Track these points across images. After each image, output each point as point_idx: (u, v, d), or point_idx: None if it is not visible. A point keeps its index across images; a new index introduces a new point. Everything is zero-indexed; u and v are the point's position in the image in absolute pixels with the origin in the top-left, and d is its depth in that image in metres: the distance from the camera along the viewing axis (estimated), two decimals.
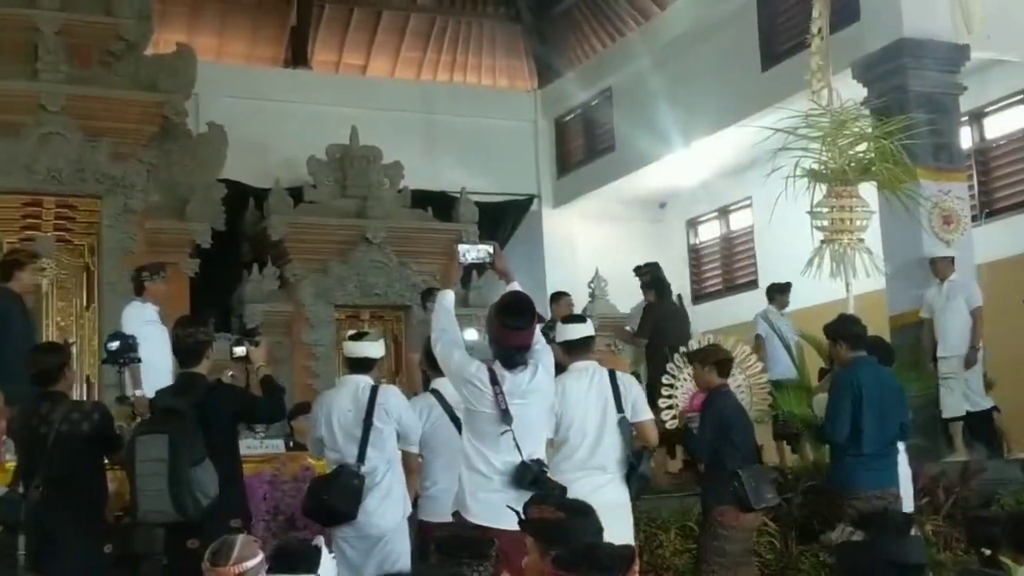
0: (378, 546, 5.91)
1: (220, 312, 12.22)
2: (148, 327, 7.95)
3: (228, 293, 12.80)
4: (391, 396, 6.15)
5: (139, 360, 7.09)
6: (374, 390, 6.07)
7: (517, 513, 4.01)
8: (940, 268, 10.09)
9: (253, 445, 7.73)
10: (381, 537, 5.94)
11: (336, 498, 5.92)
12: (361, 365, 6.22)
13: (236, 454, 5.95)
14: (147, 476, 5.32)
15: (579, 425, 5.89)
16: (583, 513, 3.72)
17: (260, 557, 3.88)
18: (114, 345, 6.89)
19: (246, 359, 6.26)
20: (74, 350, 10.29)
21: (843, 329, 7.24)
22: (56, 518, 5.56)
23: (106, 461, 5.95)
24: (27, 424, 5.75)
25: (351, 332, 6.64)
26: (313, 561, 3.51)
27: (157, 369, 7.23)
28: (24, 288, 7.77)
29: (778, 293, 10.78)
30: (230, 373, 6.45)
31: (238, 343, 6.30)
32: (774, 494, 6.89)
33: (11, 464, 6.28)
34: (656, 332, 9.55)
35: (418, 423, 6.23)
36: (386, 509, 6.00)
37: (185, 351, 5.86)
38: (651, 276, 10.12)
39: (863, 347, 7.16)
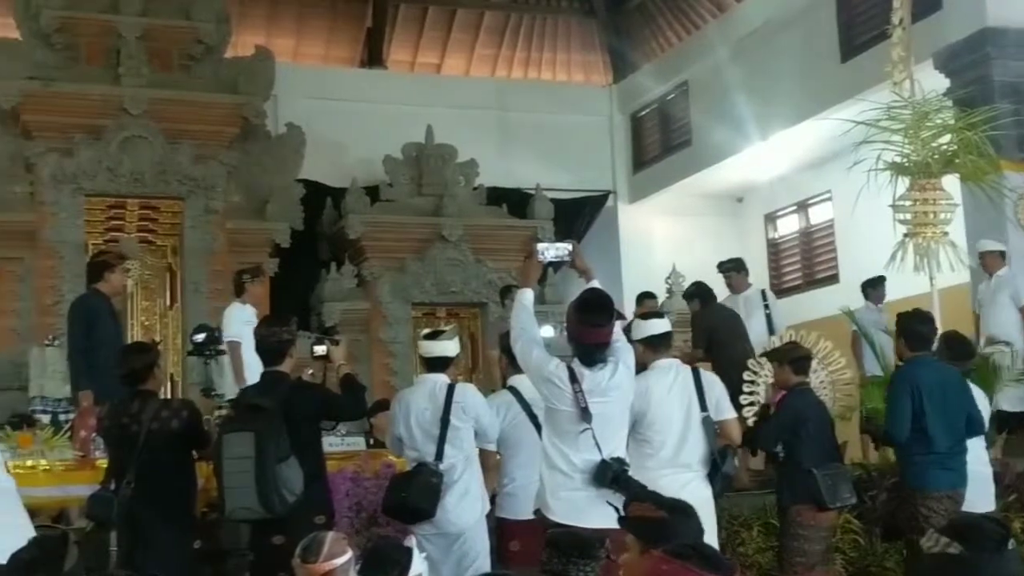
0: (456, 544, 5.92)
1: (299, 311, 12.35)
2: (248, 327, 8.11)
3: (307, 292, 12.93)
4: (468, 394, 6.16)
5: (224, 352, 7.19)
6: (451, 388, 6.09)
7: (617, 510, 3.99)
8: (988, 262, 9.87)
9: (334, 443, 7.79)
10: (460, 535, 5.95)
11: (415, 496, 5.94)
12: (437, 364, 6.24)
13: (320, 452, 6.01)
14: (234, 473, 5.39)
15: (664, 423, 5.87)
16: (685, 512, 3.70)
17: (349, 555, 3.91)
18: (200, 337, 6.98)
19: (326, 358, 6.32)
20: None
21: (907, 326, 7.09)
22: (147, 514, 5.65)
23: (195, 456, 6.05)
24: (118, 423, 5.86)
25: (426, 331, 6.67)
26: (405, 563, 3.53)
27: (256, 369, 7.29)
28: (113, 290, 7.91)
29: (870, 288, 10.64)
30: (310, 371, 6.52)
31: (319, 342, 6.36)
32: (851, 492, 6.80)
33: (102, 462, 6.40)
34: (711, 340, 9.52)
35: (496, 421, 6.23)
36: (464, 507, 6.01)
37: (269, 350, 5.93)
38: (695, 288, 10.10)
39: (925, 347, 7.00)
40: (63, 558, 3.27)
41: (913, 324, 7.07)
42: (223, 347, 7.17)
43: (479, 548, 5.95)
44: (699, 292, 10.04)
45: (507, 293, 9.71)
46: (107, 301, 7.86)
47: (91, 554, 5.77)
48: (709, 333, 9.56)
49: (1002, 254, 9.94)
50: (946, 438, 6.77)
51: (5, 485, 4.71)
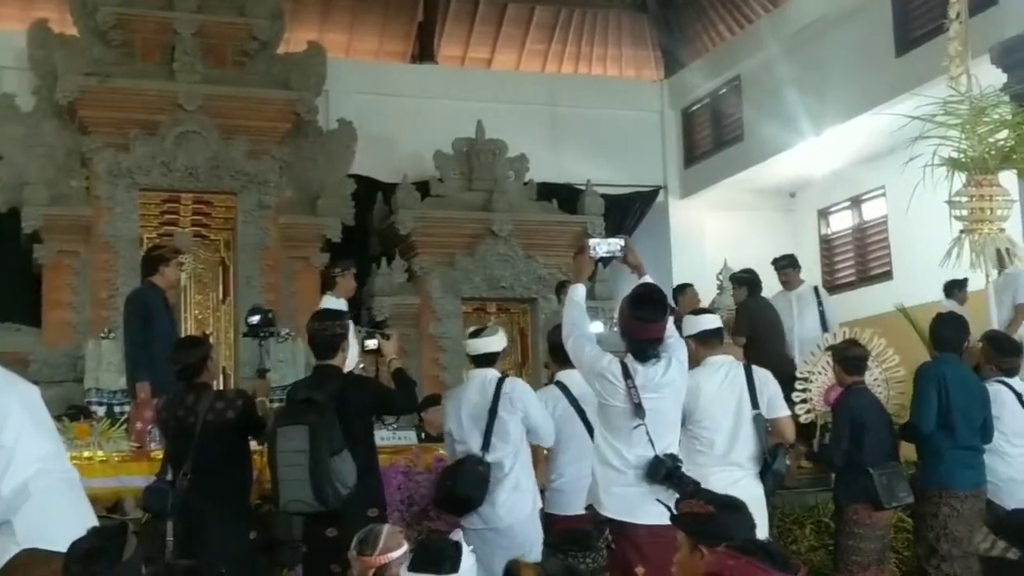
0: (507, 539, 5.90)
1: (350, 305, 12.39)
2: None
3: (357, 287, 12.96)
4: (517, 386, 6.18)
5: (278, 333, 7.25)
6: (500, 381, 6.13)
7: (668, 508, 3.99)
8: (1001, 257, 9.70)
9: (386, 436, 7.85)
10: (510, 529, 5.95)
11: (462, 485, 5.97)
12: (484, 360, 6.28)
13: (372, 445, 6.04)
14: (288, 466, 5.43)
15: (714, 420, 5.84)
16: (735, 508, 3.68)
17: (404, 548, 3.93)
18: (255, 319, 7.03)
19: (377, 352, 6.35)
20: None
21: (933, 330, 7.22)
22: (204, 505, 5.71)
23: (253, 445, 6.10)
24: (174, 415, 5.92)
25: (471, 329, 6.69)
26: (455, 559, 3.53)
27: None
28: (167, 283, 8.00)
29: (956, 289, 10.49)
30: (361, 365, 6.54)
31: (370, 336, 6.39)
32: (908, 492, 6.75)
33: (158, 453, 6.47)
34: (753, 330, 9.45)
35: (547, 417, 6.22)
36: (515, 501, 6.02)
37: (321, 344, 5.96)
38: (747, 275, 10.03)
39: (950, 350, 7.08)
40: (122, 548, 3.30)
41: (939, 328, 7.19)
42: (276, 329, 7.24)
43: (532, 542, 5.92)
44: (750, 280, 9.99)
45: (562, 288, 9.70)
46: (162, 295, 7.96)
47: (148, 544, 5.85)
48: (753, 322, 9.51)
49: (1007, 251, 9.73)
50: (969, 434, 6.78)
51: (71, 476, 4.77)
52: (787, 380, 7.33)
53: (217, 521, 5.72)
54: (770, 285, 10.63)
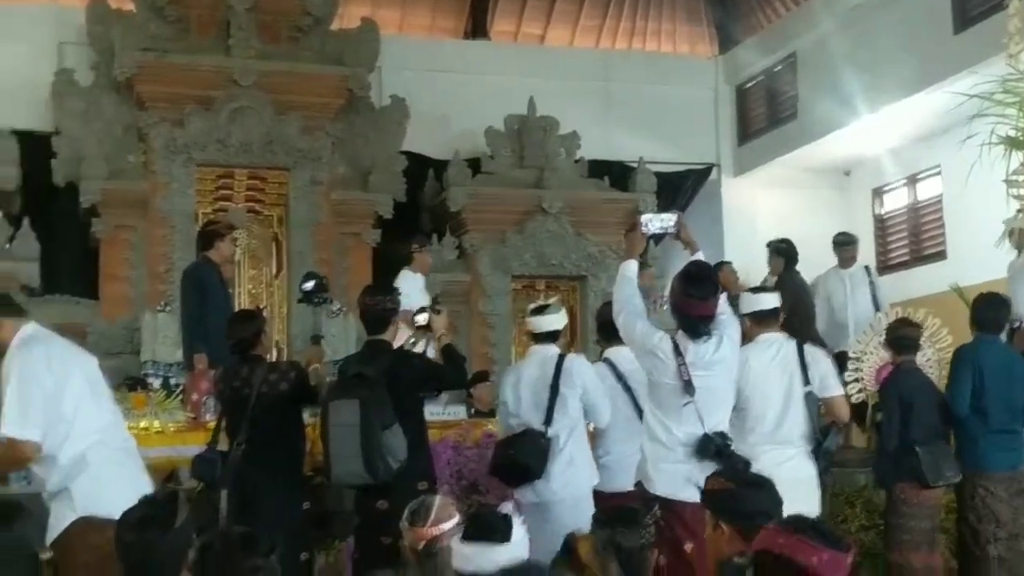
0: (558, 514, 5.89)
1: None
2: (422, 295, 8.60)
3: (408, 263, 13.03)
4: (577, 363, 6.22)
5: (332, 300, 7.32)
6: (561, 357, 6.16)
7: (699, 489, 4.01)
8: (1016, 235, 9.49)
9: (436, 411, 7.91)
10: (562, 504, 5.97)
11: (524, 454, 5.99)
12: (545, 337, 6.31)
13: (422, 420, 6.09)
14: (340, 440, 5.50)
15: (763, 398, 5.83)
16: (757, 485, 3.68)
17: (456, 519, 3.97)
18: (309, 285, 7.09)
19: (427, 327, 6.39)
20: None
21: (974, 310, 7.14)
22: (257, 476, 5.79)
23: (306, 417, 6.18)
24: (229, 386, 6.01)
25: (533, 306, 6.70)
26: (506, 531, 3.57)
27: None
28: (222, 258, 8.10)
29: None
30: (412, 341, 6.59)
31: (420, 312, 6.42)
32: (955, 471, 6.72)
33: (211, 424, 6.57)
34: (791, 305, 9.40)
35: (605, 397, 6.23)
36: (570, 477, 6.04)
37: (372, 319, 6.01)
38: (785, 245, 9.94)
39: (991, 330, 7.05)
40: (173, 516, 3.37)
41: (980, 309, 7.13)
42: (330, 295, 7.33)
43: (582, 521, 5.92)
44: (788, 251, 9.91)
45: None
46: (217, 269, 8.06)
47: (201, 514, 5.95)
48: (791, 296, 9.46)
49: None
50: (1003, 417, 6.74)
51: (128, 446, 4.88)
52: None
53: (270, 491, 5.80)
54: (818, 262, 10.54)
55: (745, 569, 3.17)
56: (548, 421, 6.01)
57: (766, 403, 5.84)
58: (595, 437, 6.48)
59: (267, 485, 5.81)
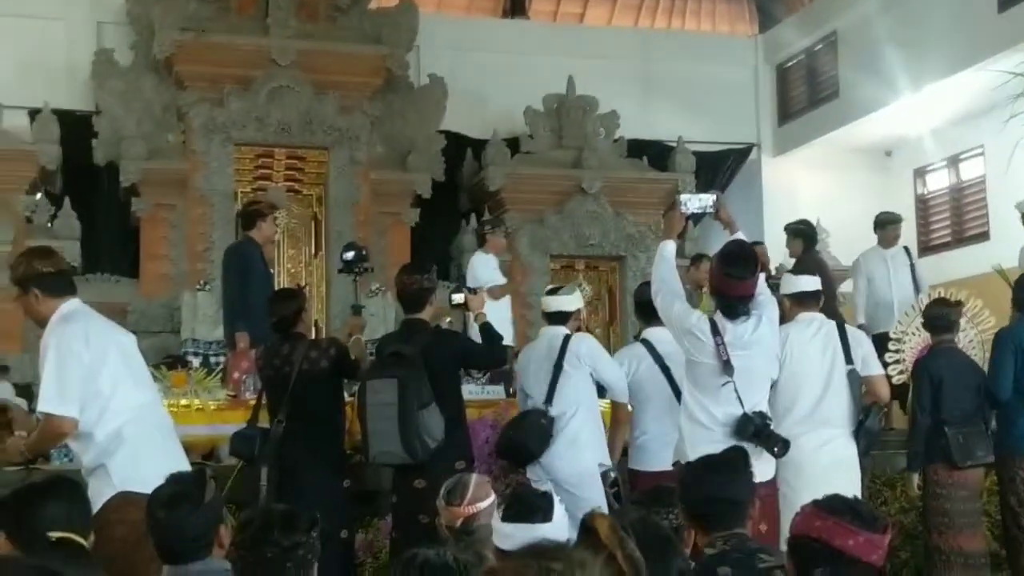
0: (565, 492, 5.89)
1: (439, 261, 12.51)
2: (496, 274, 8.68)
3: (447, 242, 13.06)
4: (583, 342, 6.23)
5: (372, 269, 7.32)
6: (567, 338, 6.17)
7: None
8: None
9: (474, 391, 7.91)
10: (566, 482, 5.98)
11: (523, 435, 6.03)
12: (556, 318, 6.32)
13: (460, 399, 6.08)
14: (377, 419, 5.50)
15: (804, 377, 5.78)
16: (716, 469, 3.68)
17: (492, 498, 3.96)
18: (350, 255, 7.09)
19: (464, 306, 6.37)
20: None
21: (1016, 289, 7.03)
22: (298, 453, 5.81)
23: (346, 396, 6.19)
24: (270, 364, 6.03)
25: (548, 287, 6.73)
26: (548, 510, 3.56)
27: (494, 317, 7.42)
28: (264, 238, 8.13)
29: None
30: (448, 320, 6.56)
31: (457, 291, 6.40)
32: (987, 451, 6.64)
33: (251, 402, 6.61)
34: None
35: (617, 371, 6.24)
36: (572, 456, 6.05)
37: (409, 298, 6.00)
38: (805, 226, 9.86)
39: None
40: (203, 492, 3.39)
41: (1021, 290, 6.99)
42: (370, 265, 7.33)
43: (589, 498, 5.90)
44: (806, 232, 9.83)
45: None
46: (259, 249, 8.09)
47: (244, 490, 5.99)
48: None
49: None
50: None
51: (164, 423, 4.90)
52: None
53: (311, 469, 5.82)
54: (858, 243, 10.43)
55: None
56: (549, 400, 6.04)
57: (805, 382, 5.80)
58: (633, 417, 6.46)
59: (308, 462, 5.83)
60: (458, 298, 6.32)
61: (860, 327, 7.92)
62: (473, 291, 6.45)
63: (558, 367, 6.08)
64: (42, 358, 4.50)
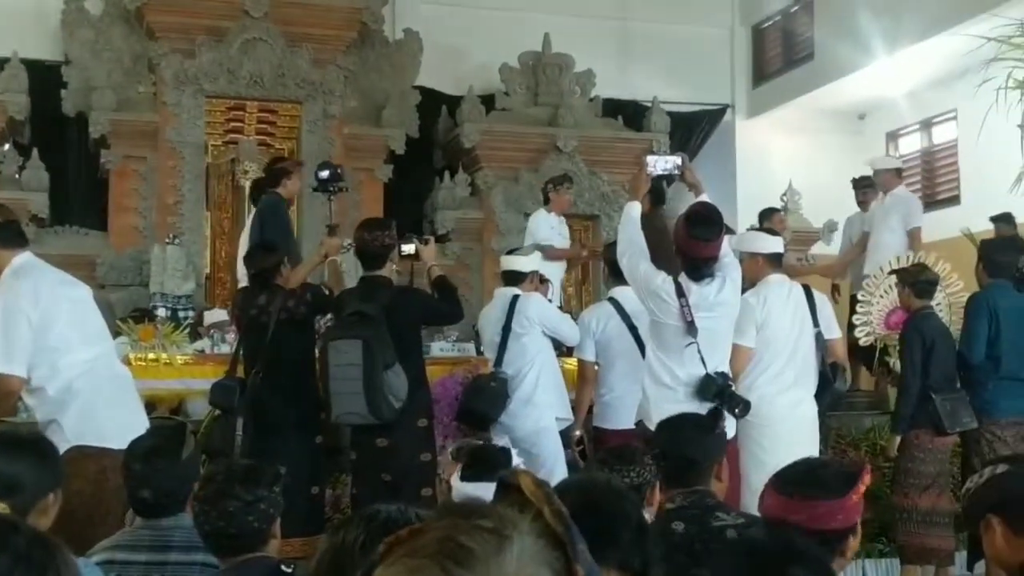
0: (524, 450, 5.96)
1: (413, 218, 12.46)
2: (554, 233, 8.66)
3: (421, 200, 13.00)
4: (531, 302, 6.28)
5: (347, 188, 7.28)
6: (515, 298, 6.20)
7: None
8: (884, 180, 9.34)
9: (446, 348, 7.93)
10: (525, 440, 6.06)
11: (474, 400, 6.13)
12: (511, 278, 6.35)
13: (421, 356, 6.10)
14: (342, 380, 5.50)
15: (776, 339, 5.84)
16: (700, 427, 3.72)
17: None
18: (324, 174, 7.07)
19: (414, 256, 6.27)
20: None
21: (987, 254, 7.10)
22: (274, 403, 5.83)
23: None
24: (247, 314, 6.02)
25: (509, 248, 6.74)
26: (505, 464, 3.58)
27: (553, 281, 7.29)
28: (290, 194, 8.12)
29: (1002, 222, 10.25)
30: (395, 269, 6.45)
31: (407, 240, 6.26)
32: (971, 417, 6.73)
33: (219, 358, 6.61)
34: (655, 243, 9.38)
35: (570, 326, 6.30)
36: (528, 413, 6.13)
37: (371, 255, 5.95)
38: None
39: (1003, 275, 6.98)
40: (181, 446, 3.39)
41: (994, 252, 7.11)
42: (345, 184, 7.30)
43: (545, 455, 6.02)
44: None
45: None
46: (286, 205, 8.12)
47: (217, 438, 6.00)
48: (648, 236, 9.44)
49: (898, 172, 9.46)
50: (1015, 364, 6.74)
51: (119, 374, 4.90)
52: None
53: (286, 423, 5.84)
54: (831, 205, 10.46)
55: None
56: (499, 362, 6.10)
57: (780, 344, 5.86)
58: (599, 375, 6.50)
59: (283, 416, 5.85)
60: (408, 248, 6.20)
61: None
62: (424, 241, 6.37)
63: (507, 328, 6.13)
64: None
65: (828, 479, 2.92)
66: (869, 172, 9.82)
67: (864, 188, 10.22)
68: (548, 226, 9.33)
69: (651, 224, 9.46)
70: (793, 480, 2.91)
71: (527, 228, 9.56)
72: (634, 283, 5.47)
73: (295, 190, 8.37)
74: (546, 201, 9.72)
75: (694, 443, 3.65)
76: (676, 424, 3.81)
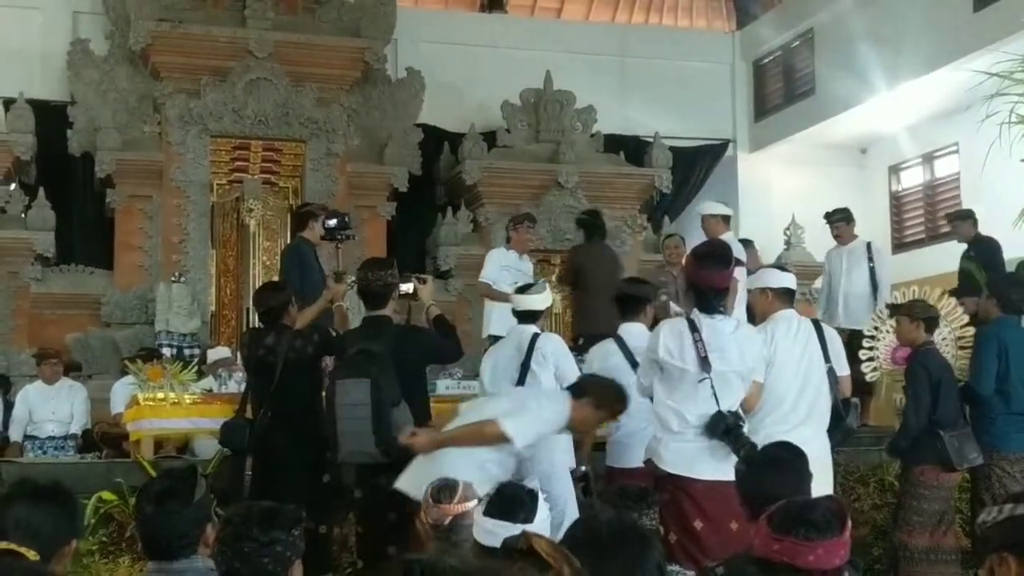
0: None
1: (415, 255, 12.50)
2: (505, 272, 8.68)
3: (423, 236, 13.05)
4: (550, 341, 6.27)
5: (354, 236, 7.32)
6: (535, 336, 6.19)
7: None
8: (709, 227, 8.20)
9: (451, 385, 7.92)
10: (539, 482, 5.99)
11: None
12: (526, 316, 6.34)
13: (426, 394, 6.09)
14: (349, 419, 5.47)
15: (784, 376, 5.81)
16: (776, 465, 3.68)
17: (476, 501, 3.94)
18: (332, 222, 7.12)
19: (412, 296, 6.28)
20: None
21: (1000, 290, 7.11)
22: (282, 444, 5.82)
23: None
24: (256, 354, 6.02)
25: (519, 284, 6.72)
26: (531, 510, 3.54)
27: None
28: (316, 238, 8.14)
29: None
30: (393, 309, 6.42)
31: (405, 280, 6.25)
32: (977, 453, 6.70)
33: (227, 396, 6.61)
34: (583, 278, 9.39)
35: (575, 368, 6.27)
36: (542, 456, 6.06)
37: (374, 294, 5.92)
38: (588, 218, 10.03)
39: (1013, 312, 7.04)
40: (193, 489, 3.38)
41: (1007, 289, 7.09)
42: (352, 232, 7.34)
43: (557, 495, 5.89)
44: (587, 223, 10.04)
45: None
46: (313, 248, 8.12)
47: (226, 478, 5.99)
48: (583, 270, 9.49)
49: (726, 219, 8.88)
50: None
51: None
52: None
53: (294, 462, 5.83)
54: (829, 241, 10.46)
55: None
56: None
57: (788, 381, 5.83)
58: None
59: (291, 455, 5.84)
60: (406, 287, 6.19)
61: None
62: (423, 280, 6.37)
63: (525, 366, 6.11)
64: None
65: (820, 520, 2.90)
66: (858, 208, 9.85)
67: (837, 222, 10.19)
68: (499, 264, 9.25)
69: (591, 253, 9.54)
70: (790, 523, 2.89)
71: (485, 261, 9.55)
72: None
73: (322, 233, 8.42)
74: (508, 240, 9.67)
75: (787, 484, 3.62)
76: (771, 465, 3.76)
